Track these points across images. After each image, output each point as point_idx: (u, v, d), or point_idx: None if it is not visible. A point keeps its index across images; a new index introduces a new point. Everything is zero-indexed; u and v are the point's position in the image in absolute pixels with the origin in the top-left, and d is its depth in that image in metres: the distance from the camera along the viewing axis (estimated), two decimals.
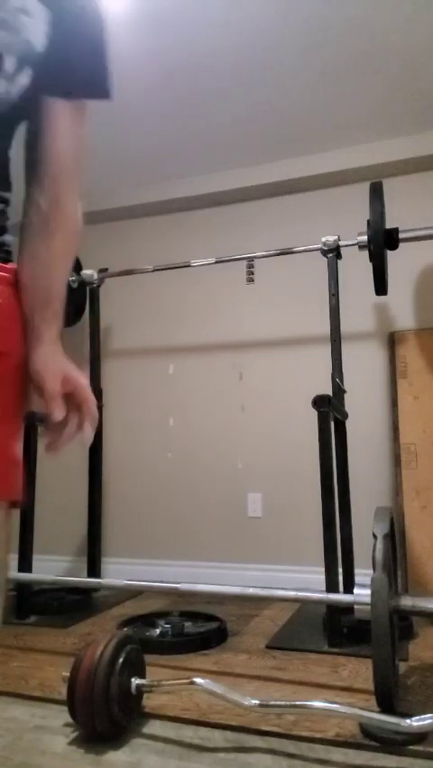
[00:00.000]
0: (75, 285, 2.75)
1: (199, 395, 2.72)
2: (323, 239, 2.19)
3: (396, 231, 2.13)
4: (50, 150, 0.79)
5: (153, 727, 1.21)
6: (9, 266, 0.75)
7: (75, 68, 0.74)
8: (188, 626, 1.85)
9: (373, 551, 1.24)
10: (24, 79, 0.69)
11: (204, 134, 2.49)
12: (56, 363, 0.69)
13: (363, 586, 1.26)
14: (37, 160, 0.80)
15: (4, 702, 1.35)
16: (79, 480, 2.49)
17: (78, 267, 2.61)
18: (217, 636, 1.78)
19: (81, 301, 2.72)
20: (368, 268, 2.36)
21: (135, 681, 1.20)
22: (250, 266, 2.69)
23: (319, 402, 1.78)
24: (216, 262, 2.48)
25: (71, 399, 0.70)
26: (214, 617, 1.93)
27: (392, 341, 2.49)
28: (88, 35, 0.74)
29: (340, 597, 1.47)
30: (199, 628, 1.84)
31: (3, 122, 0.75)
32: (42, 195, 0.79)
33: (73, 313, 2.72)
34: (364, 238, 2.18)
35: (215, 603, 2.14)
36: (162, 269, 2.58)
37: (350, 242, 2.20)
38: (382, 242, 2.06)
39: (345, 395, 2.15)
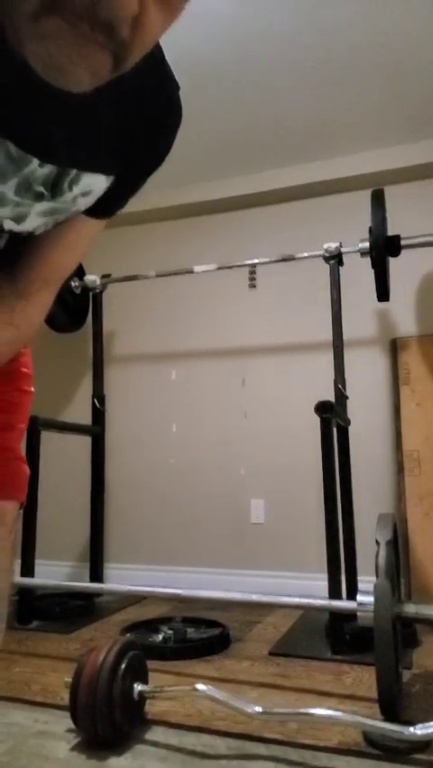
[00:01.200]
0: (78, 290, 2.77)
1: (202, 401, 2.73)
2: (325, 246, 2.20)
3: (398, 238, 2.13)
4: (60, 255, 0.73)
5: (156, 734, 1.21)
6: None
7: (114, 205, 0.76)
8: (191, 631, 1.85)
9: (376, 557, 1.24)
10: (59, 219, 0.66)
11: (206, 141, 2.50)
12: None
13: (366, 593, 1.26)
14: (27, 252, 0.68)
15: (7, 707, 1.35)
16: (82, 486, 2.49)
17: (81, 273, 2.62)
18: (220, 643, 1.78)
19: (84, 307, 2.74)
20: (370, 274, 2.37)
21: (138, 687, 1.20)
22: (252, 272, 2.71)
23: (322, 408, 1.78)
24: (219, 269, 2.49)
25: None
26: (216, 623, 1.92)
27: (395, 347, 2.49)
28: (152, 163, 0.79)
29: (343, 604, 1.47)
30: (202, 634, 1.84)
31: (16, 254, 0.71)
32: (21, 289, 0.68)
33: (76, 319, 2.73)
34: (366, 245, 2.18)
35: (217, 609, 2.13)
36: (165, 275, 2.59)
37: (352, 249, 2.21)
38: (383, 249, 2.07)
39: (348, 401, 2.15)
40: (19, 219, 0.58)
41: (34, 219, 0.59)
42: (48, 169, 0.54)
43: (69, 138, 0.53)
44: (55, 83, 0.41)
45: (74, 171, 0.57)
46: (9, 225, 0.58)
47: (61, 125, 0.52)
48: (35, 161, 0.53)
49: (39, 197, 0.57)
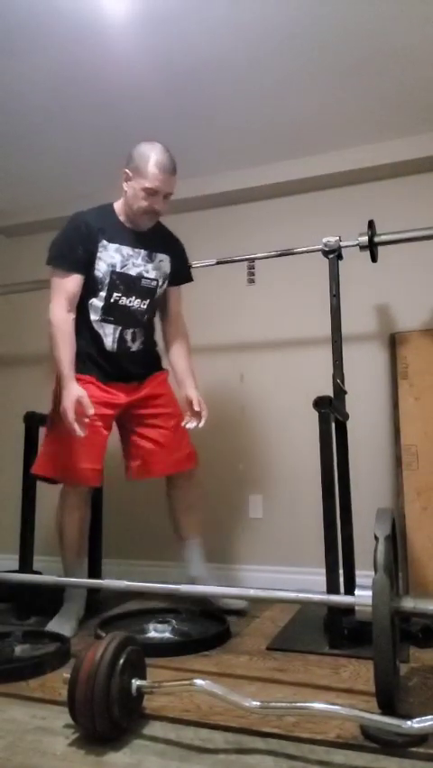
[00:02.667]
0: None
1: (200, 396, 2.72)
2: (324, 240, 2.19)
3: None
4: (175, 306, 2.17)
5: (154, 729, 1.21)
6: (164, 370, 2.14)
7: (184, 274, 2.16)
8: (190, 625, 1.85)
9: (375, 552, 1.24)
10: (164, 288, 2.08)
11: (204, 135, 2.49)
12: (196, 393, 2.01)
13: (364, 587, 1.26)
14: (172, 313, 2.16)
15: (4, 703, 1.35)
16: None
17: None
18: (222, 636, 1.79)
19: None
20: (370, 269, 2.37)
21: (136, 683, 1.20)
22: (251, 267, 2.69)
23: (320, 403, 1.77)
24: (217, 263, 2.48)
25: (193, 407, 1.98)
26: (218, 616, 1.93)
27: (393, 342, 2.48)
28: (185, 258, 2.17)
29: (341, 598, 1.47)
30: (203, 628, 1.84)
31: (154, 309, 2.09)
32: (178, 329, 2.18)
33: None
34: (365, 239, 2.18)
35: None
36: None
37: (351, 243, 2.20)
38: None
39: (346, 396, 2.15)
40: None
41: (152, 273, 2.03)
42: (146, 251, 2.01)
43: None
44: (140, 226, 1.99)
45: (154, 252, 2.03)
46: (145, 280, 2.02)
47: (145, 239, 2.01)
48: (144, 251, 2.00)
49: (147, 261, 2.02)
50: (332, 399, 1.83)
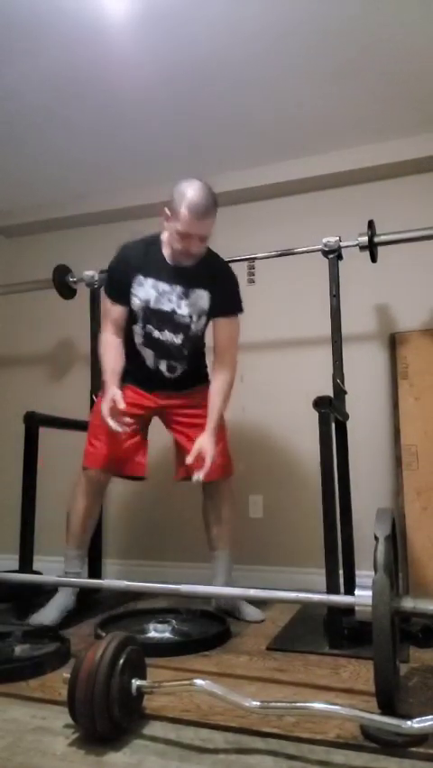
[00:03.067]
0: (75, 285, 2.76)
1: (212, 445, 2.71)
2: (324, 240, 2.19)
3: None
4: (220, 340, 2.03)
5: (154, 729, 1.21)
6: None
7: (227, 306, 2.02)
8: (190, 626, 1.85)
9: (375, 552, 1.24)
10: (202, 322, 2.02)
11: (205, 135, 2.49)
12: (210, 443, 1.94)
13: (364, 587, 1.25)
14: (217, 346, 2.03)
15: (5, 703, 1.35)
16: None
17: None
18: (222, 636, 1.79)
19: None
20: (370, 269, 2.37)
21: (136, 683, 1.20)
22: (251, 267, 2.70)
23: (320, 403, 1.77)
24: None
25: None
26: (218, 616, 1.94)
27: (393, 342, 2.49)
28: (230, 289, 2.04)
29: (341, 598, 1.47)
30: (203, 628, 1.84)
31: (195, 340, 2.05)
32: (221, 364, 2.03)
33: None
34: (365, 239, 2.18)
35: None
36: None
37: (351, 243, 2.20)
38: None
39: (346, 396, 2.15)
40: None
41: (185, 310, 1.99)
42: (182, 288, 1.99)
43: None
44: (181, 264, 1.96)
45: (191, 289, 1.99)
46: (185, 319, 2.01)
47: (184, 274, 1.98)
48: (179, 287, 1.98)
49: (182, 297, 1.99)
50: (332, 399, 1.83)
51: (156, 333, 1.99)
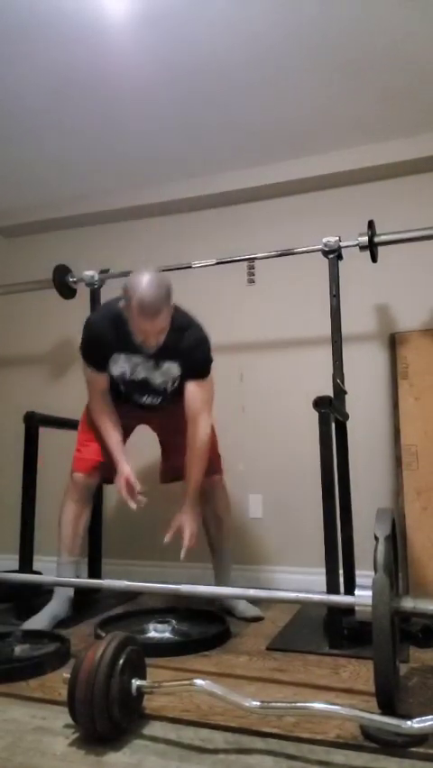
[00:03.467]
0: (75, 285, 2.76)
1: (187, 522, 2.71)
2: (324, 240, 2.19)
3: None
4: (191, 403, 1.99)
5: (154, 729, 1.21)
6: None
7: (197, 373, 2.00)
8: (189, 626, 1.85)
9: (375, 552, 1.24)
10: (177, 384, 2.02)
11: (204, 135, 2.49)
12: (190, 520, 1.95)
13: (364, 587, 1.26)
14: (188, 409, 1.98)
15: (5, 703, 1.35)
16: None
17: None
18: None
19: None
20: (370, 269, 2.37)
21: (136, 683, 1.20)
22: (251, 267, 2.70)
23: (320, 403, 1.77)
24: (217, 263, 2.48)
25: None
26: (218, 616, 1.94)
27: (393, 342, 2.49)
28: (199, 358, 2.00)
29: (341, 598, 1.47)
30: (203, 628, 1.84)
31: (175, 394, 2.04)
32: (194, 428, 1.98)
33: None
34: (365, 239, 2.18)
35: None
36: (163, 270, 2.57)
37: (351, 243, 2.20)
38: None
39: (346, 396, 2.15)
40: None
41: (159, 379, 2.01)
42: (153, 361, 1.97)
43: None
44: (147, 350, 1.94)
45: (161, 361, 1.98)
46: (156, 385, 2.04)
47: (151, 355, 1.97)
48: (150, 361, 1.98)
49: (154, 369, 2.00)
50: (332, 399, 1.83)
51: (136, 396, 2.06)
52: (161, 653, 1.62)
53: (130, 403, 2.08)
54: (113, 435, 2.00)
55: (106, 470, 2.05)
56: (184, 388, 2.00)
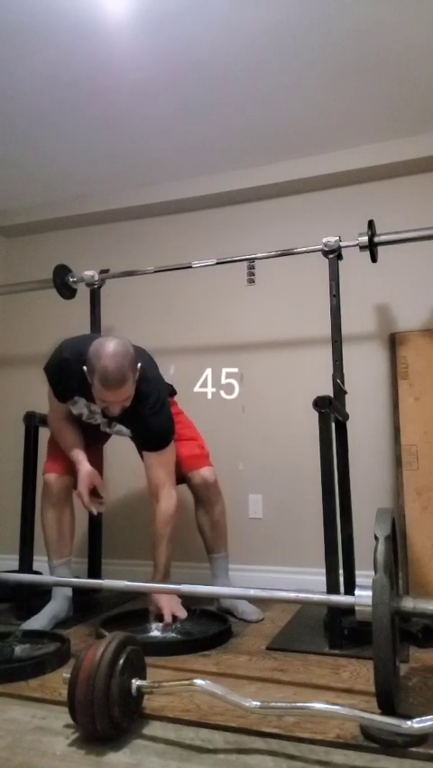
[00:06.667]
0: (76, 286, 2.76)
1: (200, 396, 2.72)
2: (324, 240, 2.19)
3: None
4: (151, 474, 1.95)
5: (154, 729, 1.21)
6: None
7: (154, 443, 1.95)
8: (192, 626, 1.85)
9: (375, 552, 1.24)
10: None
11: (205, 135, 2.49)
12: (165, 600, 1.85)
13: (364, 587, 1.26)
14: (150, 480, 1.95)
15: (5, 703, 1.35)
16: None
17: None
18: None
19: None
20: (370, 269, 2.37)
21: (136, 683, 1.20)
22: (251, 267, 2.70)
23: (320, 403, 1.77)
24: (217, 263, 2.48)
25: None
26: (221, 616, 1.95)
27: (393, 342, 2.49)
28: (155, 431, 1.93)
29: (341, 598, 1.47)
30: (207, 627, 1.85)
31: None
32: (157, 501, 1.94)
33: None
34: (365, 239, 2.18)
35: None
36: (163, 270, 2.58)
37: (351, 243, 2.20)
38: None
39: (346, 396, 2.15)
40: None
41: (111, 431, 2.06)
42: (106, 420, 1.99)
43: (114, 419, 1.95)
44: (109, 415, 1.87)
45: (114, 423, 2.00)
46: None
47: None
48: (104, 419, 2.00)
49: (107, 426, 2.03)
50: (332, 399, 1.83)
51: (97, 430, 2.06)
52: (163, 652, 1.62)
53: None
54: (72, 443, 1.97)
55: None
56: (143, 457, 1.97)
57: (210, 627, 1.85)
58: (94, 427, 2.06)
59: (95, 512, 1.91)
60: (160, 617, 1.83)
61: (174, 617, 1.81)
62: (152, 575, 1.92)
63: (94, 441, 2.13)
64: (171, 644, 1.73)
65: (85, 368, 1.76)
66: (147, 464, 1.94)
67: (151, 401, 1.88)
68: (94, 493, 1.91)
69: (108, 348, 1.71)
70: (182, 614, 1.84)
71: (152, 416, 1.89)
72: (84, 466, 1.92)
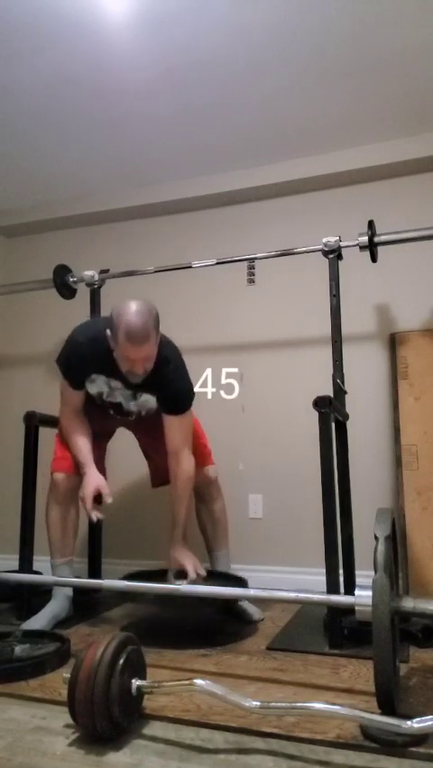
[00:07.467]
0: (76, 286, 2.76)
1: (200, 396, 2.72)
2: (324, 240, 2.19)
3: None
4: (172, 438, 1.99)
5: (154, 729, 1.21)
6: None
7: (176, 408, 1.98)
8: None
9: (375, 552, 1.24)
10: (152, 413, 2.03)
11: (205, 135, 2.49)
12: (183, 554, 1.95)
13: (364, 587, 1.26)
14: (169, 444, 2.00)
15: (5, 703, 1.35)
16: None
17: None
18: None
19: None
20: (370, 269, 2.37)
21: (136, 683, 1.20)
22: (251, 267, 2.70)
23: (320, 403, 1.77)
24: (217, 263, 2.49)
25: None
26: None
27: (393, 342, 2.49)
28: (178, 394, 1.98)
29: (341, 598, 1.47)
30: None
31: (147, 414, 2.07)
32: (176, 464, 1.99)
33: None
34: (365, 239, 2.18)
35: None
36: (163, 270, 2.58)
37: (351, 243, 2.20)
38: None
39: (346, 396, 2.15)
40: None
41: (133, 408, 2.04)
42: (131, 391, 1.99)
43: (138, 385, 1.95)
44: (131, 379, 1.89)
45: (139, 393, 2.00)
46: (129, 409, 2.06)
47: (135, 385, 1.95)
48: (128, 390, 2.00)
49: (131, 399, 2.03)
50: (332, 399, 1.83)
51: (112, 412, 2.07)
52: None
53: (104, 410, 2.08)
54: (82, 447, 1.98)
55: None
56: (162, 418, 1.98)
57: (227, 584, 1.94)
58: (102, 417, 2.06)
59: (94, 519, 1.89)
60: (181, 575, 1.88)
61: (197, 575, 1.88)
62: (172, 533, 1.97)
63: (101, 434, 2.13)
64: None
65: (108, 331, 1.82)
66: (168, 427, 1.98)
67: (173, 365, 1.95)
68: (97, 500, 1.91)
69: (132, 306, 1.79)
70: (203, 571, 1.90)
71: (176, 379, 1.96)
72: (92, 471, 1.93)
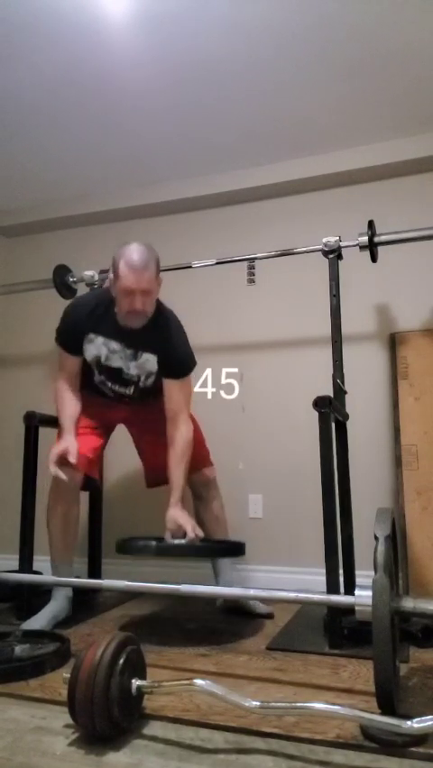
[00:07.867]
0: (75, 286, 2.76)
1: (200, 396, 2.72)
2: (324, 240, 2.19)
3: None
4: (171, 402, 2.01)
5: (154, 728, 1.21)
6: None
7: (176, 370, 2.01)
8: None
9: (375, 552, 1.24)
10: (151, 380, 2.04)
11: (205, 135, 2.49)
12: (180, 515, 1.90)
13: (364, 587, 1.25)
14: (168, 408, 2.00)
15: (4, 703, 1.35)
16: None
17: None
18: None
19: None
20: (370, 269, 2.37)
21: (136, 683, 1.20)
22: (251, 267, 2.70)
23: (320, 403, 1.77)
24: (217, 263, 2.49)
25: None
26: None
27: (393, 342, 2.49)
28: (178, 355, 2.02)
29: (341, 598, 1.47)
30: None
31: (147, 390, 2.06)
32: (174, 428, 2.00)
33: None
34: (365, 239, 2.18)
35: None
36: (163, 271, 2.57)
37: (351, 243, 2.20)
38: None
39: (346, 396, 2.15)
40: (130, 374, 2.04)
41: (133, 371, 2.03)
42: (131, 350, 2.00)
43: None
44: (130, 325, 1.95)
45: (140, 351, 2.00)
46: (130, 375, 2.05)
47: (133, 336, 1.97)
48: (129, 350, 2.00)
49: (131, 359, 2.02)
50: (332, 399, 1.83)
51: (109, 384, 2.08)
52: (181, 553, 1.84)
53: (102, 394, 2.09)
54: (69, 409, 2.00)
55: (89, 464, 2.03)
56: (162, 385, 2.02)
57: (222, 542, 2.04)
58: (101, 405, 2.08)
59: (53, 473, 1.88)
60: (179, 535, 1.88)
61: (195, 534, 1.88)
62: (170, 496, 1.95)
63: (100, 427, 2.13)
64: (193, 546, 1.82)
65: (107, 281, 1.92)
66: (167, 390, 2.01)
67: (174, 326, 2.02)
68: (64, 463, 1.90)
69: (133, 243, 1.89)
70: (201, 532, 1.90)
71: (177, 341, 2.01)
72: (68, 437, 1.94)
